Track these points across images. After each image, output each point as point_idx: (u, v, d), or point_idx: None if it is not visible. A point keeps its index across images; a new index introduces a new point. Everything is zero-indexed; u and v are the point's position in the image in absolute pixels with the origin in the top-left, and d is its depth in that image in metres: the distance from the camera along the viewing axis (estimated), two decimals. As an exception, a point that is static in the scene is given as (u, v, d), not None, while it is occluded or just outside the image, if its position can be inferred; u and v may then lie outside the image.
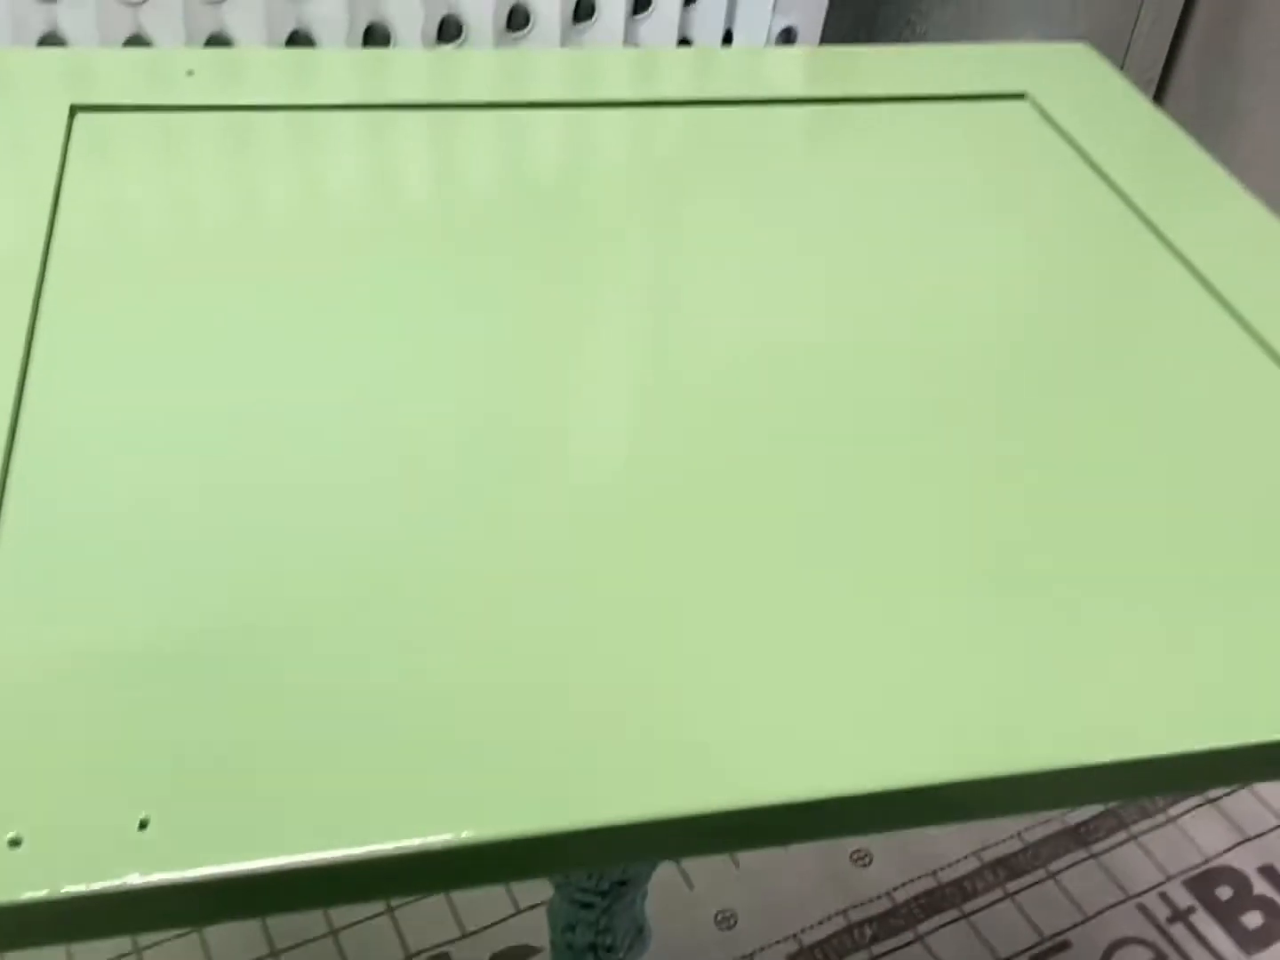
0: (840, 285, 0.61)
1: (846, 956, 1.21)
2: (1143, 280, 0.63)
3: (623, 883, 0.78)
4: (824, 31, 1.35)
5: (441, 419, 0.52)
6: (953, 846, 1.33)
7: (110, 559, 0.45)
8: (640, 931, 0.83)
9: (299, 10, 1.13)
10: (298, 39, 1.15)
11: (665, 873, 1.28)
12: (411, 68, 0.74)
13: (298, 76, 0.71)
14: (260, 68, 0.72)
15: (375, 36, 1.18)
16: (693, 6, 1.30)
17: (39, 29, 1.06)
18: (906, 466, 0.52)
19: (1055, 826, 1.35)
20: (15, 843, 0.36)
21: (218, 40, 1.12)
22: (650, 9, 1.28)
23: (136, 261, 0.58)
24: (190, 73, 0.69)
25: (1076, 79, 0.77)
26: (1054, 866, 1.33)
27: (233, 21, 1.11)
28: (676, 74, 0.76)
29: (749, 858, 1.32)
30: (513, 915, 1.20)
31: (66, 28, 1.06)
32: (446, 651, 0.42)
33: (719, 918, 1.24)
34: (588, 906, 0.79)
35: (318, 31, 1.14)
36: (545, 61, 0.76)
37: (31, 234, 0.57)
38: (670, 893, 1.27)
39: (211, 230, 0.60)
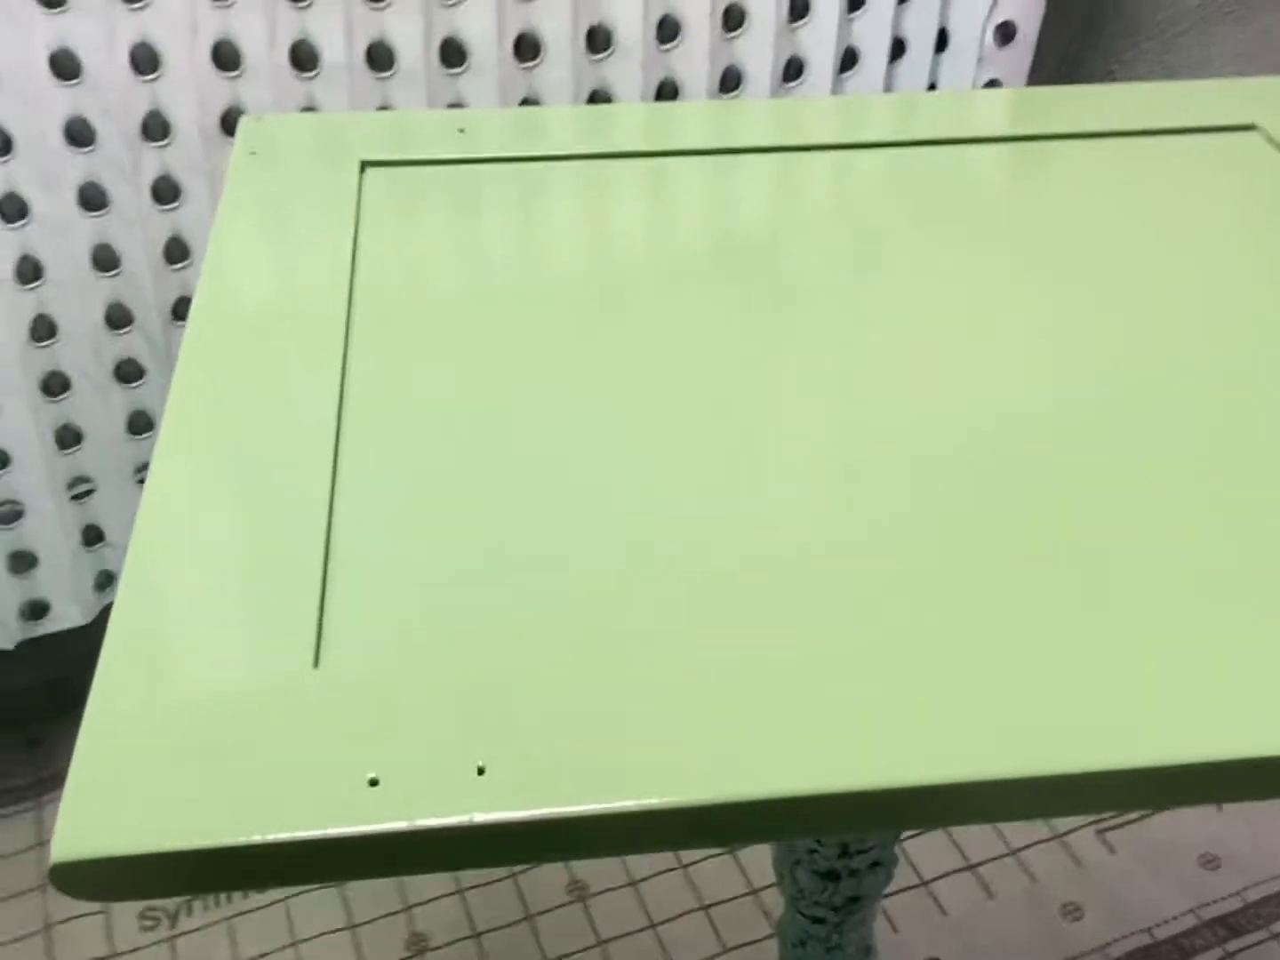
0: (1063, 335, 0.63)
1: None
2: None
3: (856, 898, 0.80)
4: (1027, 79, 1.37)
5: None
6: (1169, 902, 1.30)
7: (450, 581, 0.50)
8: (869, 952, 0.85)
9: (529, 79, 1.21)
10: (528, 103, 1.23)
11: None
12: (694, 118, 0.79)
13: (589, 128, 0.78)
14: (526, 123, 0.79)
15: (596, 97, 1.25)
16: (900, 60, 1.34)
17: (298, 100, 1.16)
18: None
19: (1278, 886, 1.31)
20: (374, 782, 0.41)
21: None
22: (856, 67, 1.32)
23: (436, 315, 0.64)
24: (462, 130, 0.77)
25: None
26: (1277, 927, 1.29)
27: (469, 90, 1.19)
28: (881, 118, 0.80)
29: (955, 906, 1.32)
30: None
31: (321, 98, 1.16)
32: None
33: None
34: (820, 921, 0.81)
35: (546, 97, 1.21)
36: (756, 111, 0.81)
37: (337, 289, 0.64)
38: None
39: (505, 282, 0.66)
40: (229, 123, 1.16)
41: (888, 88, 1.34)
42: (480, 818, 0.40)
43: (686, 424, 0.57)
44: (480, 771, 0.41)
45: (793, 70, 1.30)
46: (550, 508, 0.53)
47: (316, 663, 0.45)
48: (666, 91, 1.26)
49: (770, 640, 0.46)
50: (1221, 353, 0.61)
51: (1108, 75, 1.57)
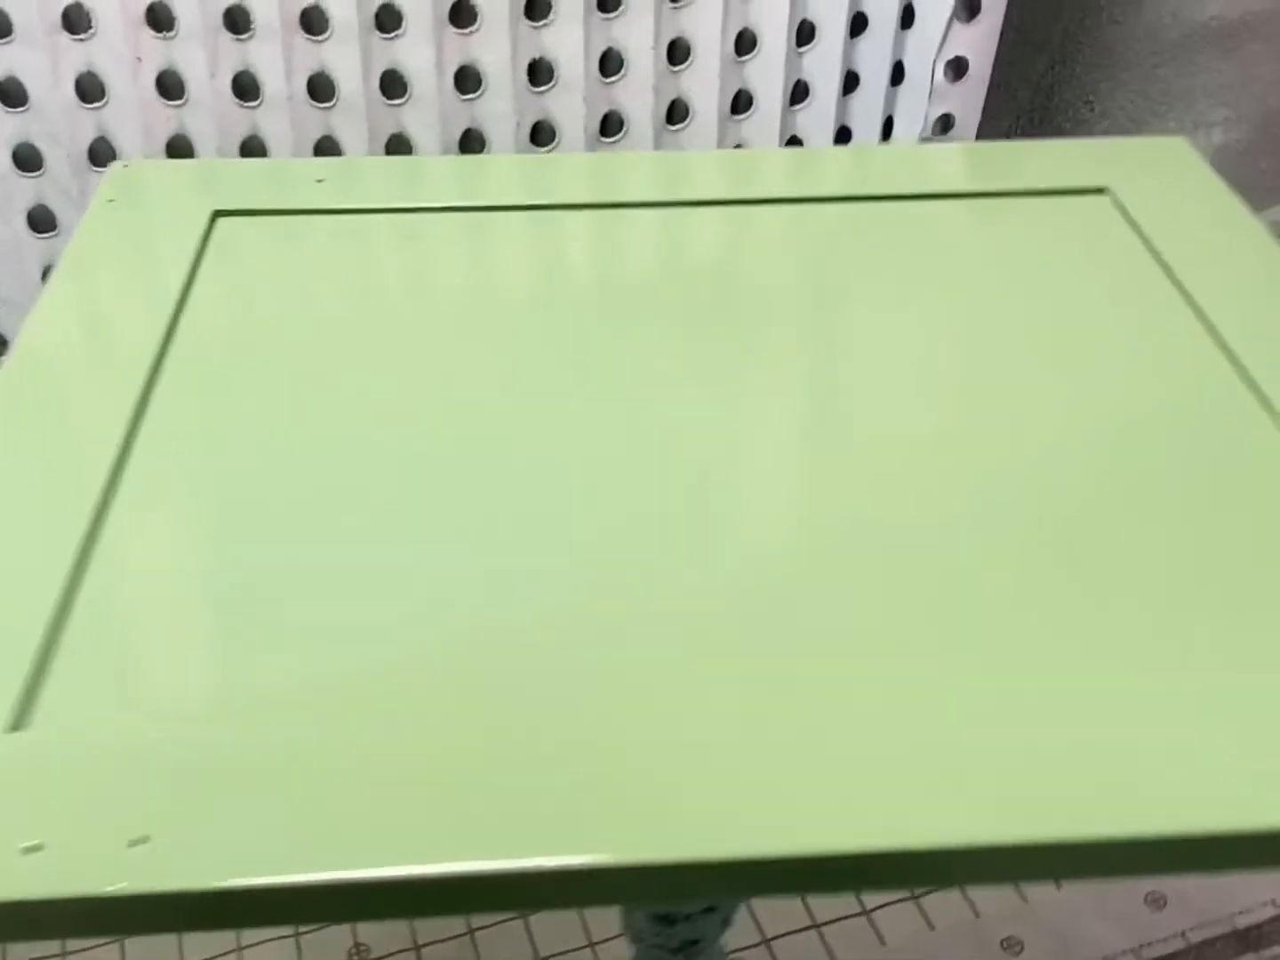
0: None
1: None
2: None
3: (694, 941, 0.81)
4: (993, 107, 1.36)
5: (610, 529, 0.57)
6: (1111, 940, 1.29)
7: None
8: (719, 990, 0.85)
9: (471, 110, 1.23)
10: (470, 137, 1.24)
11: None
12: (573, 169, 0.81)
13: (409, 181, 0.80)
14: (394, 173, 0.80)
15: (541, 135, 1.27)
16: (851, 95, 1.33)
17: (241, 130, 1.19)
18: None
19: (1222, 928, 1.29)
20: (34, 849, 0.43)
21: (399, 140, 1.23)
22: (808, 100, 1.32)
23: (253, 361, 0.66)
24: (320, 180, 0.78)
25: (1162, 174, 0.78)
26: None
27: (411, 120, 1.22)
28: (830, 171, 0.80)
29: (895, 936, 1.31)
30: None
31: (266, 129, 1.19)
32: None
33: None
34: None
35: (488, 130, 1.23)
36: (700, 162, 0.82)
37: (153, 328, 0.66)
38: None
39: (332, 329, 0.68)
40: (174, 149, 1.19)
41: (840, 121, 1.34)
42: (130, 888, 0.42)
43: (507, 463, 0.58)
44: (137, 842, 0.43)
45: (742, 103, 1.31)
46: (338, 565, 0.54)
47: (18, 725, 0.47)
48: (612, 123, 1.27)
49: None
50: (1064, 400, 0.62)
51: (1085, 106, 1.55)
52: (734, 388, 0.64)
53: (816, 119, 1.32)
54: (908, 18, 1.30)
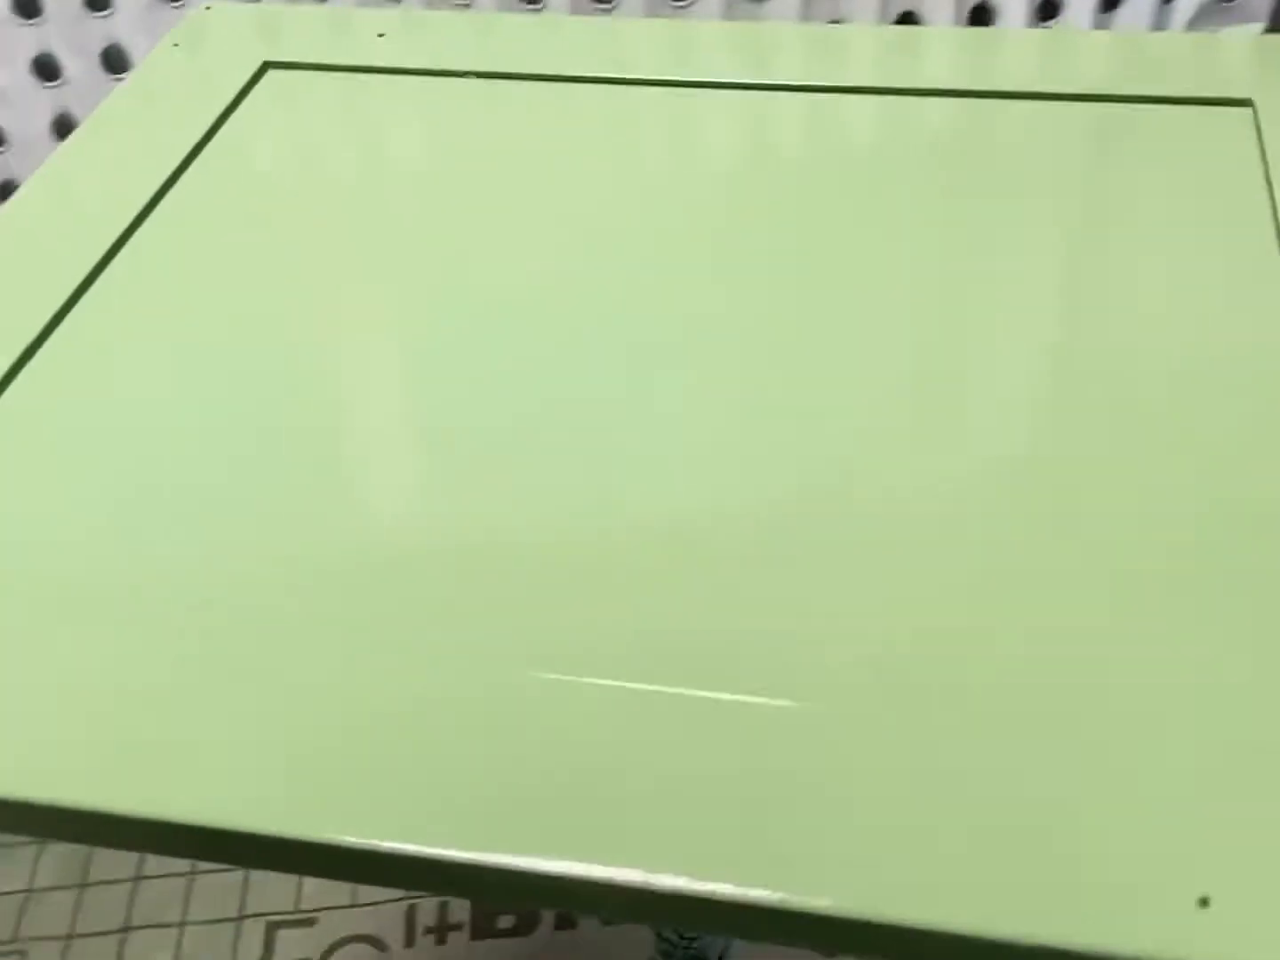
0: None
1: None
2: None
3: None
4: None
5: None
6: None
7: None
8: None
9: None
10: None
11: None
12: (643, 35, 0.75)
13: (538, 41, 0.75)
14: (460, 30, 0.76)
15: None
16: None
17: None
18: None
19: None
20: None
21: None
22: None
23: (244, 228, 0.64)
24: (381, 35, 0.75)
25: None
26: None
27: None
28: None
29: None
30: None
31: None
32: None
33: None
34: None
35: None
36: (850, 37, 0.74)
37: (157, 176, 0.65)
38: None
39: (343, 197, 0.65)
40: None
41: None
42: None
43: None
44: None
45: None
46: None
47: None
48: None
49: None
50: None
51: None
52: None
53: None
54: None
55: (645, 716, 0.41)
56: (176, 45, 0.75)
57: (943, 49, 0.71)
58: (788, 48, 0.73)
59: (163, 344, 0.56)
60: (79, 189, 0.65)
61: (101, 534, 0.47)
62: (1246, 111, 0.64)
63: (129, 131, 0.68)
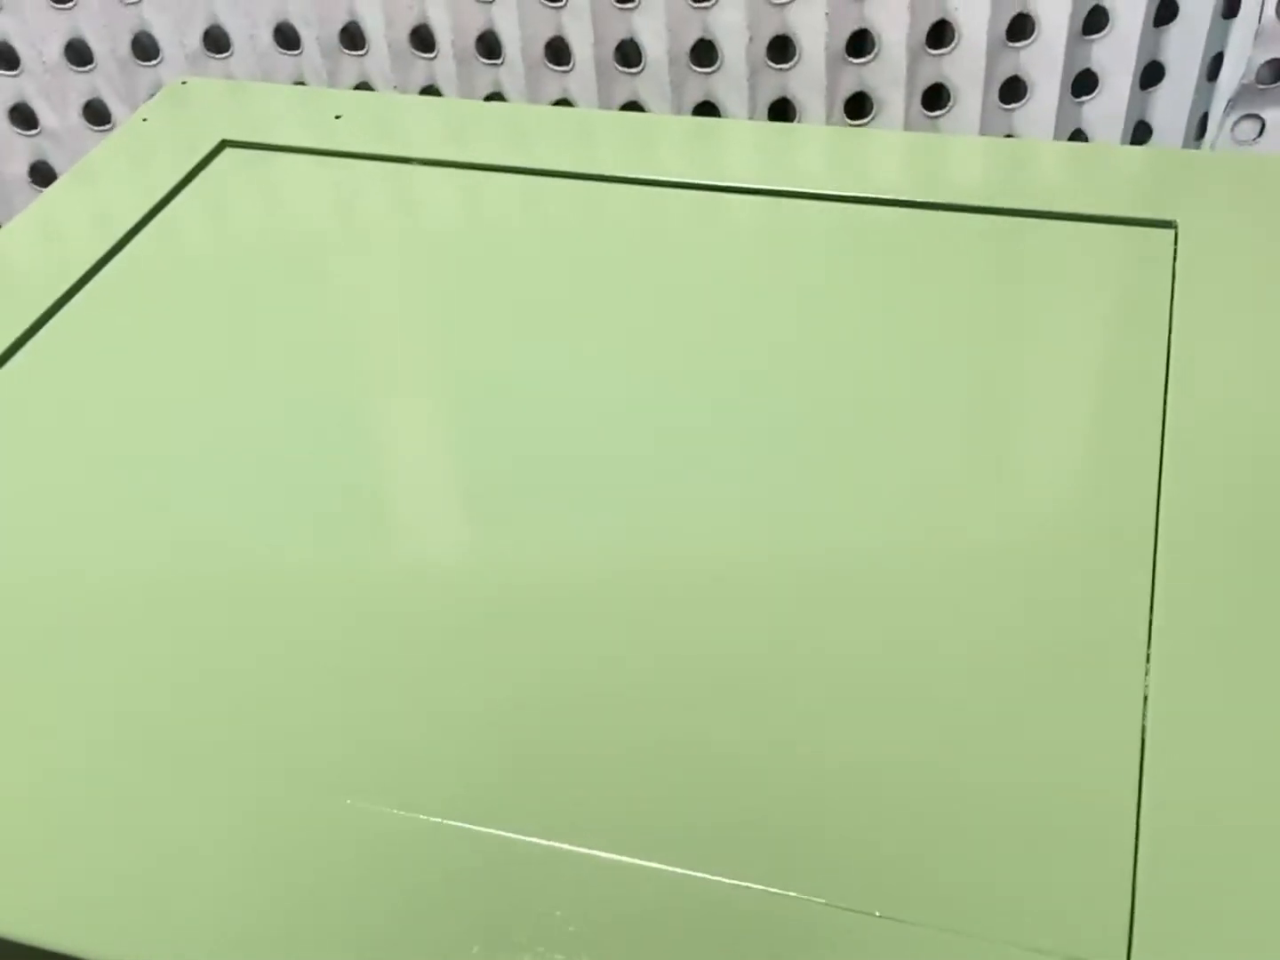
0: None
1: None
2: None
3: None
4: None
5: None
6: None
7: None
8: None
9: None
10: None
11: None
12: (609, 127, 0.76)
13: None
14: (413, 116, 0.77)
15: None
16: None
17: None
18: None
19: None
20: None
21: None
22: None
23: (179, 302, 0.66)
24: (338, 117, 0.77)
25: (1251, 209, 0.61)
26: None
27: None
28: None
29: None
30: None
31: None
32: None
33: None
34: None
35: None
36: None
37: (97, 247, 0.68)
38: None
39: (279, 279, 0.66)
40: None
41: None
42: None
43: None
44: None
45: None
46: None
47: None
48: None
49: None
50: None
51: None
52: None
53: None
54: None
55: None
56: (145, 120, 0.78)
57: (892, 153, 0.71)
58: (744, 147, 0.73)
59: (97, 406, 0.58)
60: (19, 255, 0.67)
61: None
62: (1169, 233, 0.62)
63: (79, 202, 0.71)
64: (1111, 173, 0.66)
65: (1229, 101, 1.04)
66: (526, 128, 0.76)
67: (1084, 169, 0.67)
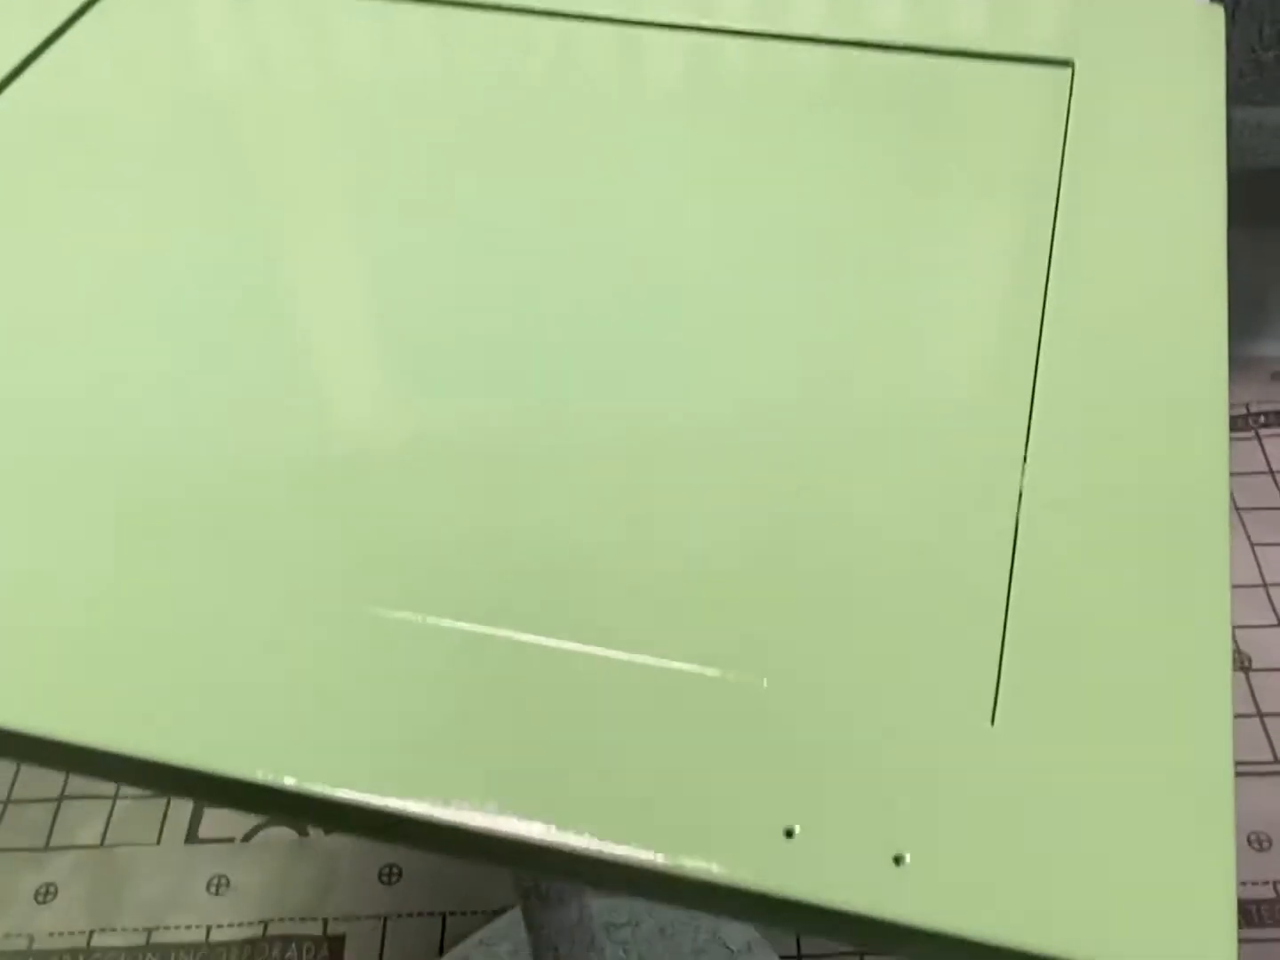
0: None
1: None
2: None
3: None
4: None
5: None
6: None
7: None
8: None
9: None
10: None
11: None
12: None
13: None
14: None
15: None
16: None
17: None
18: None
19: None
20: None
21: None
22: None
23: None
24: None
25: (1149, 50, 0.63)
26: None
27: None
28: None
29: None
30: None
31: None
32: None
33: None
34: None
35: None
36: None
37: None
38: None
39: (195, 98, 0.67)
40: None
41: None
42: None
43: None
44: None
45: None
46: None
47: None
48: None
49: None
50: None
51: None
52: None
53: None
54: None
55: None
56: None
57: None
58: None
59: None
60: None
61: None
62: (1066, 72, 0.64)
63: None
64: (1012, 12, 0.68)
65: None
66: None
67: (985, 7, 0.69)
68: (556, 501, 0.47)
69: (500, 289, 0.56)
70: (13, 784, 1.33)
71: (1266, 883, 1.19)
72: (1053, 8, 0.68)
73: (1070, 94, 0.63)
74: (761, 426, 0.50)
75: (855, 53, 0.67)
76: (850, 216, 0.58)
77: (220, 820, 1.30)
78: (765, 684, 0.42)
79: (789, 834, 0.39)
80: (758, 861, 0.38)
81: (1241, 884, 1.18)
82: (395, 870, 1.26)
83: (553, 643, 0.43)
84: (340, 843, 1.28)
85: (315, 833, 1.29)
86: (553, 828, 0.39)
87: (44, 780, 1.33)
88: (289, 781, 0.40)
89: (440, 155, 0.63)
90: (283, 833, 1.29)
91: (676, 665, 0.42)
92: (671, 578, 0.45)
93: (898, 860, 0.38)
